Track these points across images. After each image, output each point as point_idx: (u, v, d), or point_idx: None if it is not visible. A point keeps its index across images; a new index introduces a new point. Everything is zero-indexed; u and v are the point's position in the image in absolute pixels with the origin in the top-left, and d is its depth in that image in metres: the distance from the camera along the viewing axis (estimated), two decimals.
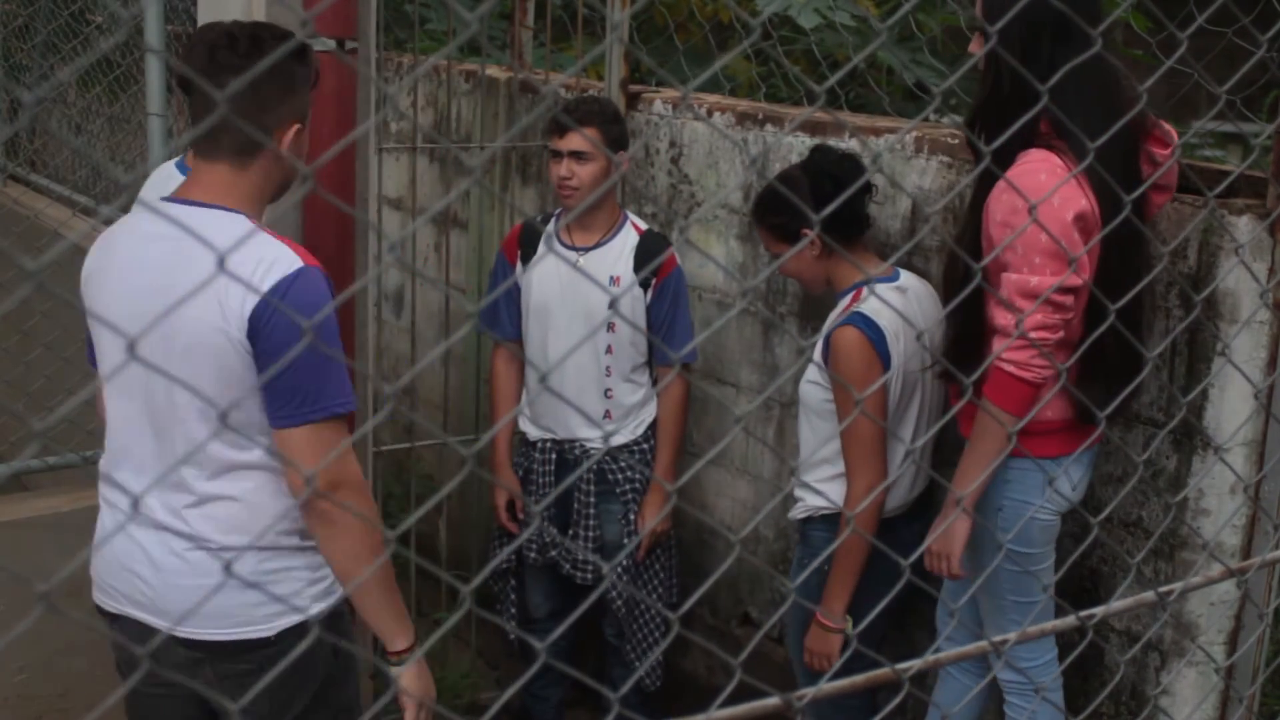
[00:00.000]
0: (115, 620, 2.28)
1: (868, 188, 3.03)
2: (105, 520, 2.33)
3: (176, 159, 2.93)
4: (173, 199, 2.17)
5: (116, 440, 2.26)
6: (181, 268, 2.06)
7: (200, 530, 2.17)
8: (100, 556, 2.28)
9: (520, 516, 3.65)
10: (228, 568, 2.10)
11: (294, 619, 2.23)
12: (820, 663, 2.97)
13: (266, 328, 2.06)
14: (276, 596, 2.21)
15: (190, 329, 2.07)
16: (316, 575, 2.25)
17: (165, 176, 2.75)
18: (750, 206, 3.16)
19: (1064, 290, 2.46)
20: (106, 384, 2.24)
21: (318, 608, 2.26)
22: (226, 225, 2.09)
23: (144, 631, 2.25)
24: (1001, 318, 2.55)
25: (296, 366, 2.06)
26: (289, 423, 2.09)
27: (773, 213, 3.04)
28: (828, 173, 2.95)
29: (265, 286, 2.05)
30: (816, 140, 3.37)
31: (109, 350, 2.25)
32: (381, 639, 2.30)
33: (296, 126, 2.15)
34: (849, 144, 3.29)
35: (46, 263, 0.91)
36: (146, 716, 2.35)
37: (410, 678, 2.27)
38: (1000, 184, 2.48)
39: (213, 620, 2.19)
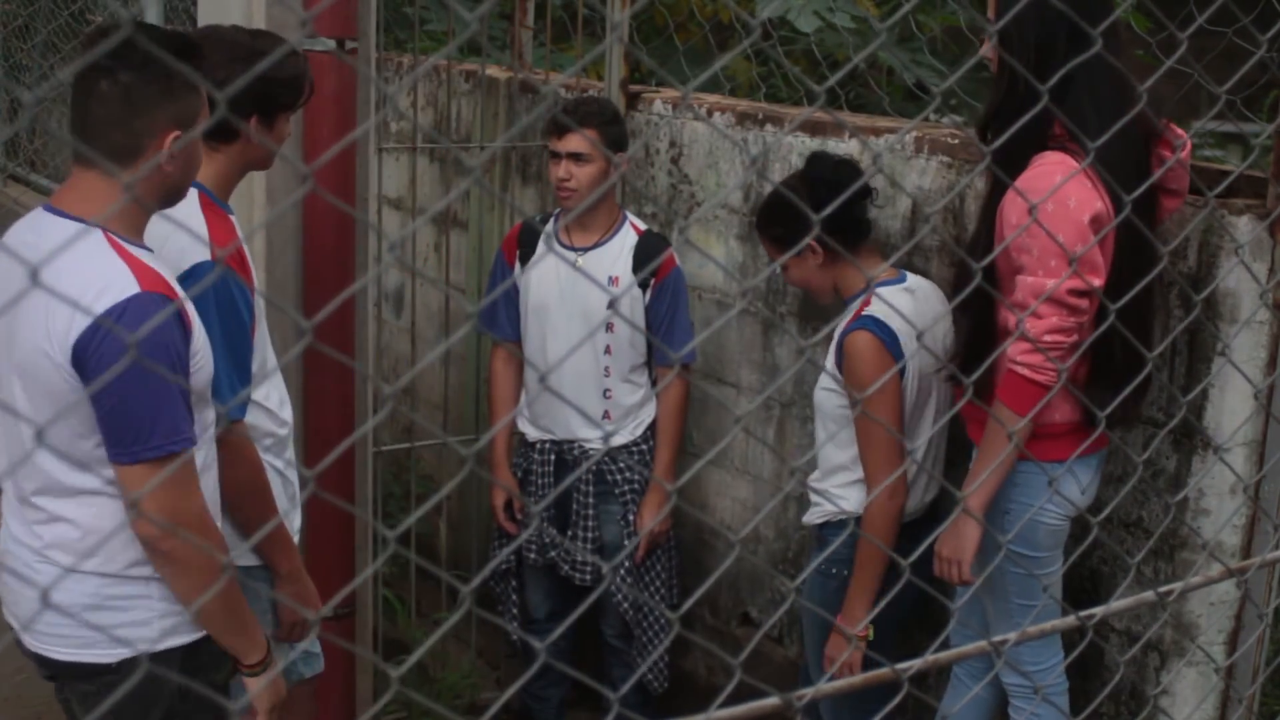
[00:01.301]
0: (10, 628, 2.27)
1: (867, 192, 3.02)
2: None
3: None
4: (46, 205, 2.10)
5: None
6: (17, 280, 2.00)
7: (49, 549, 2.14)
8: None
9: (519, 517, 3.65)
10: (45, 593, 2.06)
11: (136, 650, 2.17)
12: (844, 671, 2.94)
13: (93, 359, 1.95)
14: (117, 624, 2.14)
15: (23, 347, 2.01)
16: (170, 609, 2.16)
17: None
18: (754, 219, 3.17)
19: (1080, 294, 2.45)
20: None
21: (169, 643, 2.18)
22: (72, 241, 1.99)
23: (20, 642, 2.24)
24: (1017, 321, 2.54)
25: (127, 402, 1.96)
26: (125, 459, 2.01)
27: (774, 224, 3.04)
28: (825, 179, 2.94)
29: (92, 314, 1.92)
30: (816, 140, 3.37)
31: None
32: (235, 656, 2.26)
33: (175, 133, 2.02)
34: (849, 144, 3.29)
35: (47, 261, 0.91)
36: None
37: (259, 687, 2.27)
38: (1017, 185, 2.46)
39: (56, 639, 2.17)
